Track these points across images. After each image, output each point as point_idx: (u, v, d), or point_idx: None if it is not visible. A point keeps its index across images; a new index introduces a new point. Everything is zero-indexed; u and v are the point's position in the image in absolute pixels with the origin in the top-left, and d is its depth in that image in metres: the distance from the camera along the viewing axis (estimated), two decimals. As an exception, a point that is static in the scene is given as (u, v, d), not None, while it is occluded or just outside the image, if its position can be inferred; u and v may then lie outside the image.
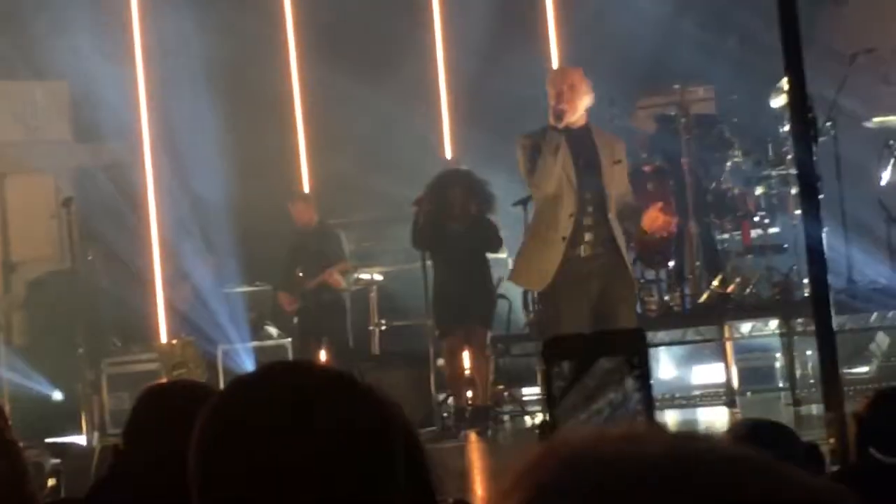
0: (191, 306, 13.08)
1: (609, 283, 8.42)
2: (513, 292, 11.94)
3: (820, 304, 5.49)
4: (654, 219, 8.60)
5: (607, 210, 8.45)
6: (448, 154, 14.61)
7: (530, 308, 11.60)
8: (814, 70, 5.77)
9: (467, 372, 11.70)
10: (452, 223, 11.29)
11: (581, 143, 8.43)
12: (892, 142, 11.47)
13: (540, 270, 8.56)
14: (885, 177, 11.50)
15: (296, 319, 12.91)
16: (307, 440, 1.73)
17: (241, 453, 1.73)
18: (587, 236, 8.45)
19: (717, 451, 1.11)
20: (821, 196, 5.59)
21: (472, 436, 10.99)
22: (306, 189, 14.51)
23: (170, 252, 13.65)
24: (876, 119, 11.90)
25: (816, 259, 5.55)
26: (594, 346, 4.27)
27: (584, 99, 8.42)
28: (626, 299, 8.57)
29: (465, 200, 11.29)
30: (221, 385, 12.20)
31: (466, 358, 11.66)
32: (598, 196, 8.45)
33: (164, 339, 13.24)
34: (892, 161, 11.44)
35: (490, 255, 11.60)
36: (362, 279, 13.41)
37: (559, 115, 8.26)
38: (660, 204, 8.81)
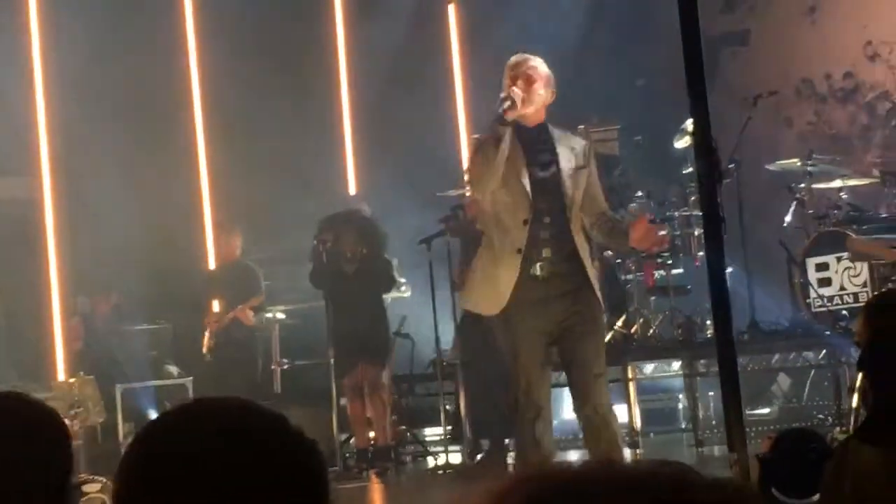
0: (84, 344, 12.87)
1: (572, 313, 6.94)
2: (418, 330, 11.89)
3: (724, 345, 5.48)
4: (646, 233, 7.05)
5: (569, 221, 7.00)
6: (352, 190, 14.57)
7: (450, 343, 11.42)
8: (717, 112, 5.77)
9: (367, 412, 11.64)
10: (345, 264, 11.29)
11: (537, 141, 7.08)
12: (793, 184, 11.58)
13: (495, 290, 7.00)
14: (788, 219, 11.60)
15: (209, 357, 12.75)
16: (241, 478, 1.71)
17: (169, 490, 1.69)
18: (545, 251, 6.96)
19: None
20: (724, 237, 5.57)
21: (374, 476, 10.92)
22: (209, 225, 14.38)
23: (68, 289, 13.44)
24: (778, 161, 12.01)
25: (720, 300, 5.54)
26: None
27: (544, 92, 7.04)
28: (592, 333, 7.01)
29: (355, 241, 11.29)
30: (120, 425, 12.04)
31: (365, 397, 11.60)
32: (557, 204, 7.00)
33: (61, 377, 13.02)
34: (794, 203, 11.54)
35: (394, 295, 11.57)
36: (265, 317, 13.29)
37: (510, 104, 6.83)
38: (648, 215, 8.19)
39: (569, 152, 7.07)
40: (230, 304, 12.56)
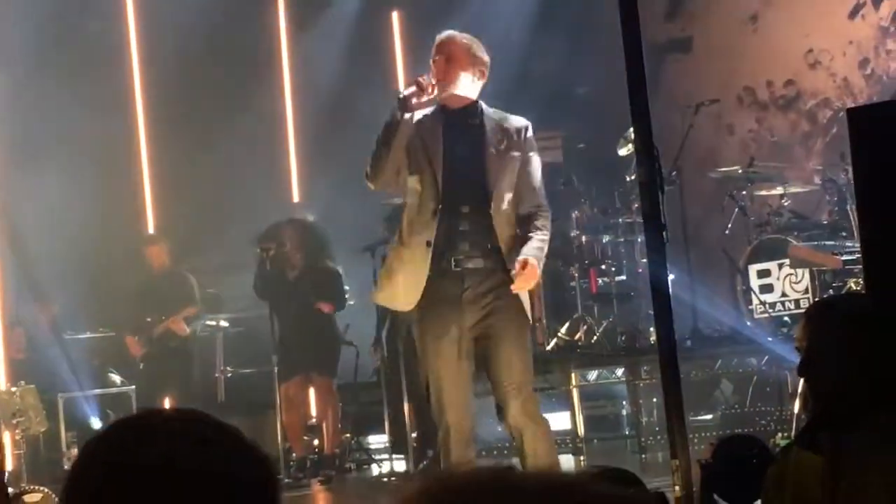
0: (27, 354, 12.77)
1: (492, 313, 6.35)
2: (362, 338, 11.87)
3: (666, 352, 5.50)
4: (528, 281, 6.32)
5: (490, 211, 6.38)
6: (295, 197, 14.54)
7: (382, 347, 11.38)
8: (659, 119, 5.80)
9: (311, 420, 11.63)
10: (289, 271, 11.26)
11: (460, 124, 6.47)
12: (735, 191, 11.64)
13: (405, 285, 6.46)
14: (730, 225, 11.66)
15: (142, 365, 12.68)
16: (193, 488, 1.69)
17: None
18: (462, 244, 6.37)
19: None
20: (666, 244, 5.60)
21: (318, 485, 10.89)
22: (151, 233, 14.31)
23: (6, 299, 13.31)
24: (720, 169, 12.07)
25: (662, 307, 5.56)
26: None
27: (466, 73, 6.47)
28: (513, 336, 6.39)
29: (298, 248, 11.27)
30: (63, 434, 11.95)
31: (309, 406, 11.60)
32: (478, 192, 6.37)
33: (2, 386, 12.90)
34: (735, 210, 11.61)
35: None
36: (208, 325, 13.24)
37: (412, 89, 6.40)
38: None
39: (499, 134, 6.48)
40: (164, 313, 12.50)
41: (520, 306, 6.40)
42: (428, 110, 6.61)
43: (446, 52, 6.51)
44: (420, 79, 6.42)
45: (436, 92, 6.46)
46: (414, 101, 6.41)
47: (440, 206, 6.36)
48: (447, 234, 6.36)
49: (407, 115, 6.40)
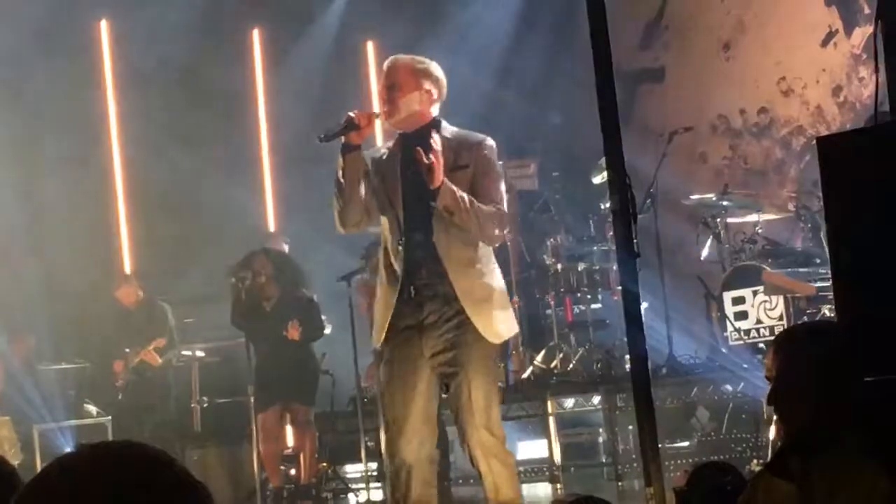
0: (2, 385, 12.73)
1: (452, 346, 6.17)
2: (338, 367, 11.87)
3: (639, 380, 5.52)
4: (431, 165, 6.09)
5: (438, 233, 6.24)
6: (271, 226, 14.55)
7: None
8: (633, 147, 5.82)
9: (288, 450, 11.61)
10: (264, 301, 11.26)
11: (411, 150, 6.20)
12: (709, 219, 11.68)
13: (377, 321, 6.37)
14: (704, 253, 11.70)
15: (120, 395, 12.65)
16: None
17: None
18: (419, 272, 6.23)
19: None
20: (640, 272, 5.62)
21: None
22: (127, 266, 14.31)
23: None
24: (694, 196, 12.12)
25: (636, 335, 5.57)
26: None
27: (412, 95, 6.30)
28: (475, 369, 6.16)
29: (272, 279, 11.25)
30: (38, 466, 11.90)
31: (286, 435, 11.57)
32: (429, 218, 6.22)
33: (-24, 418, 12.86)
34: (710, 238, 11.64)
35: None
36: (184, 355, 13.22)
37: (347, 128, 6.18)
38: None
39: (451, 154, 6.25)
40: (141, 344, 12.49)
41: (480, 337, 6.17)
42: (387, 144, 6.55)
43: (388, 79, 6.36)
44: (350, 116, 6.20)
45: (378, 121, 6.38)
46: (353, 139, 6.21)
47: (401, 240, 6.26)
48: (407, 265, 6.24)
49: (355, 154, 6.23)
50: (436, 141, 6.13)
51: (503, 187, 6.44)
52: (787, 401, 3.63)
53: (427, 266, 6.22)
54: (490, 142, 6.41)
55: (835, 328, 3.85)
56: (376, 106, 6.52)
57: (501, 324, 6.31)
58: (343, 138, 6.20)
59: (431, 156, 6.06)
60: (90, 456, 1.81)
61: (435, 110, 6.43)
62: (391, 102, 6.31)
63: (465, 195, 6.13)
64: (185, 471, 1.79)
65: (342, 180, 6.24)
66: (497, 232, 6.30)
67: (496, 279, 6.38)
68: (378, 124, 6.72)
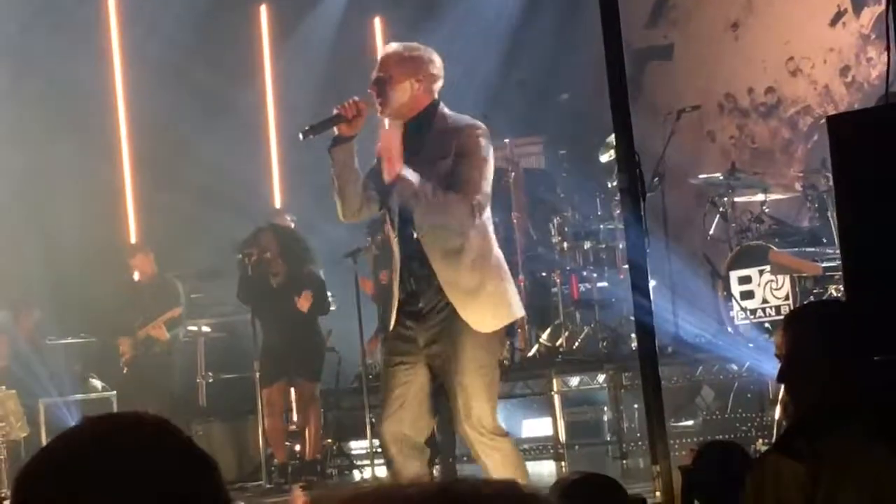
0: (7, 360, 12.74)
1: (441, 335, 6.15)
2: (344, 344, 11.88)
3: (647, 358, 5.51)
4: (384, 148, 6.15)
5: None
6: (277, 203, 14.54)
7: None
8: (641, 126, 5.81)
9: (293, 426, 11.62)
10: (271, 277, 11.26)
11: (410, 137, 6.19)
12: (716, 198, 11.66)
13: (389, 306, 6.45)
14: (711, 232, 11.69)
15: (125, 370, 12.65)
16: (121, 493, 1.68)
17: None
18: (413, 264, 6.22)
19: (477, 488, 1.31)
20: (648, 250, 5.61)
21: (298, 491, 10.88)
22: (133, 239, 14.29)
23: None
24: (701, 175, 12.10)
25: (644, 313, 5.57)
26: None
27: (403, 84, 6.20)
28: (464, 358, 6.09)
29: (280, 253, 11.25)
30: (44, 440, 11.91)
31: (292, 411, 11.59)
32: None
33: (-17, 391, 12.88)
34: (717, 217, 11.63)
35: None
36: (190, 331, 13.22)
37: (338, 120, 6.15)
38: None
39: (440, 142, 6.16)
40: (150, 318, 12.50)
41: (467, 327, 6.07)
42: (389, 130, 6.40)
43: (379, 70, 6.26)
44: (339, 110, 6.13)
45: (368, 111, 6.21)
46: (343, 132, 6.15)
47: (397, 228, 6.22)
48: (403, 257, 6.21)
49: (344, 146, 6.16)
50: (387, 133, 6.02)
51: (484, 172, 6.19)
52: (796, 379, 3.62)
53: (418, 258, 6.16)
54: (479, 127, 6.25)
55: (845, 307, 3.85)
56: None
57: (493, 314, 6.18)
58: (336, 130, 6.15)
59: (379, 149, 5.99)
60: (96, 426, 1.80)
61: (433, 94, 6.29)
62: (382, 95, 6.21)
63: (427, 185, 6.01)
64: (191, 439, 1.80)
65: (332, 174, 6.23)
66: (465, 220, 6.12)
67: (490, 266, 6.23)
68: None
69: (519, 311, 6.50)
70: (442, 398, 6.30)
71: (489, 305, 6.15)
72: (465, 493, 1.29)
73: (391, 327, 6.31)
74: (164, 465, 1.72)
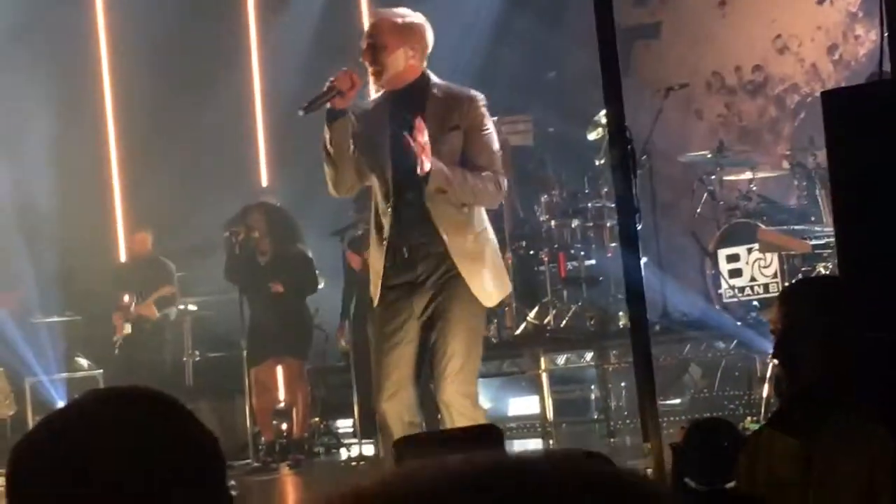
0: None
1: (439, 298, 6.15)
2: (331, 322, 11.86)
3: (638, 335, 5.50)
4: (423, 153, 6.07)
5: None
6: (264, 182, 14.50)
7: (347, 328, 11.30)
8: (629, 104, 5.77)
9: (280, 404, 11.61)
10: (259, 255, 11.24)
11: (404, 106, 6.17)
12: (704, 176, 11.66)
13: (373, 280, 6.34)
14: (699, 210, 11.69)
15: (116, 350, 12.63)
16: (127, 464, 1.69)
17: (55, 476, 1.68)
18: (412, 232, 6.17)
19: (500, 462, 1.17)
20: (639, 226, 5.59)
21: (286, 469, 10.88)
22: (120, 218, 14.27)
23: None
24: (689, 153, 12.10)
25: (635, 291, 5.56)
26: (448, 444, 4.05)
27: (397, 53, 6.15)
28: (457, 323, 6.11)
29: (267, 232, 11.23)
30: (30, 419, 11.90)
31: (279, 390, 11.58)
32: (420, 178, 6.03)
33: (-31, 370, 12.85)
34: (705, 195, 11.62)
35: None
36: (177, 309, 13.21)
37: (332, 94, 6.09)
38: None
39: (441, 112, 6.16)
40: (140, 297, 12.48)
41: (469, 294, 6.13)
42: (375, 98, 6.46)
43: (371, 38, 6.20)
44: (332, 82, 6.07)
45: (362, 82, 6.17)
46: (338, 104, 6.09)
47: (391, 200, 6.17)
48: (399, 225, 6.17)
49: (342, 120, 6.13)
50: (421, 126, 5.95)
51: (496, 144, 6.33)
52: (791, 355, 3.61)
53: (420, 227, 6.15)
54: (480, 97, 6.27)
55: (841, 283, 3.83)
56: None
57: (492, 285, 6.25)
58: (329, 104, 6.10)
59: (417, 138, 5.93)
60: (98, 397, 1.79)
61: (421, 65, 6.28)
62: (376, 64, 6.17)
63: (456, 171, 6.05)
64: (192, 413, 1.79)
65: (330, 148, 6.17)
66: (494, 198, 6.31)
67: (489, 240, 6.32)
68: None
69: (508, 287, 6.65)
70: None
71: (489, 277, 6.22)
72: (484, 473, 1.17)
73: (376, 302, 6.28)
74: (167, 438, 1.71)
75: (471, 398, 6.15)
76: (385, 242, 6.19)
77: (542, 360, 11.41)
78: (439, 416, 6.50)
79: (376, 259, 6.28)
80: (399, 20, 6.24)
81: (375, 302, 6.31)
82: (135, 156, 14.42)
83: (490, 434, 4.08)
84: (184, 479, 1.70)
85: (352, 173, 6.25)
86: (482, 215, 6.31)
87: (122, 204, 14.53)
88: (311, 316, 11.57)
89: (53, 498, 1.68)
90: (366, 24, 14.55)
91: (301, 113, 6.11)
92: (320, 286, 11.52)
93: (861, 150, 4.18)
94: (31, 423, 11.85)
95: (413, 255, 6.18)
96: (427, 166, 5.94)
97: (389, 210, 6.17)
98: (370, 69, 6.19)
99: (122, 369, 12.28)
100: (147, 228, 13.05)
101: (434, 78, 6.30)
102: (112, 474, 1.67)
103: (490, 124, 6.29)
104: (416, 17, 6.30)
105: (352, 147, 6.21)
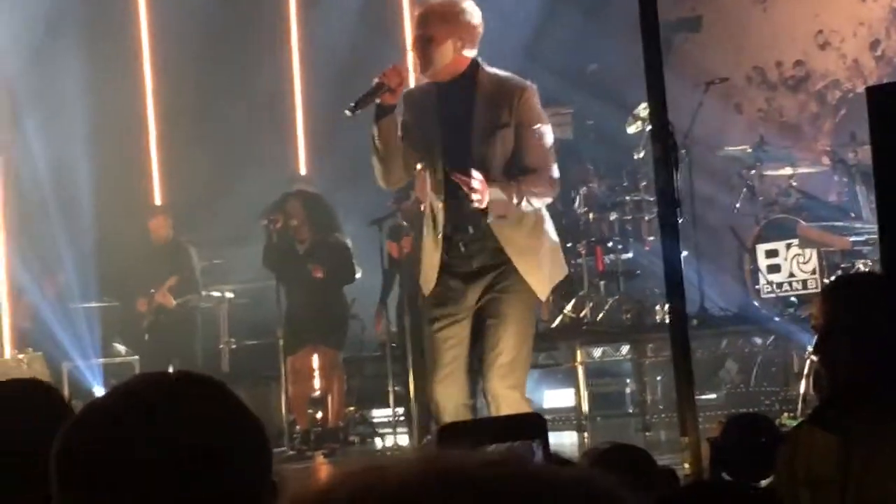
0: (33, 323, 12.77)
1: (494, 290, 6.13)
2: (368, 312, 11.86)
3: (677, 328, 5.49)
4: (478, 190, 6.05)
5: None
6: (303, 170, 14.51)
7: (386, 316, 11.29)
8: (670, 98, 5.75)
9: (316, 393, 11.62)
10: (297, 243, 11.26)
11: (454, 99, 6.11)
12: (744, 171, 11.62)
13: (426, 271, 6.31)
14: (738, 205, 11.65)
15: (146, 336, 12.67)
16: (171, 444, 1.71)
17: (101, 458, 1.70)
18: (467, 225, 6.13)
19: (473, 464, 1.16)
20: (680, 220, 5.58)
21: (321, 458, 10.89)
22: (158, 200, 14.31)
23: (12, 268, 13.29)
24: (729, 148, 12.05)
25: (674, 283, 5.54)
26: (493, 432, 4.06)
27: (446, 44, 6.05)
28: (511, 317, 6.10)
29: (305, 220, 11.24)
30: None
31: (315, 378, 11.59)
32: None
33: (8, 354, 12.90)
34: (744, 190, 11.58)
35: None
36: (213, 296, 13.24)
37: (382, 90, 6.04)
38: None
39: (492, 107, 6.08)
40: (161, 284, 12.52)
41: (524, 287, 6.14)
42: (421, 86, 6.43)
43: (420, 29, 6.14)
44: (381, 79, 6.02)
45: (412, 76, 6.30)
46: (388, 100, 6.05)
47: (445, 192, 6.12)
48: (454, 218, 6.13)
49: (391, 117, 6.10)
50: (477, 177, 5.87)
51: (548, 138, 6.29)
52: (833, 351, 3.59)
53: (473, 221, 6.11)
54: (531, 88, 6.21)
55: (884, 280, 3.82)
56: (410, 57, 6.37)
57: (549, 273, 6.29)
58: (378, 101, 6.05)
59: (475, 187, 5.86)
60: (149, 381, 1.80)
61: (471, 54, 6.19)
62: (425, 56, 6.11)
63: (510, 189, 6.01)
64: (240, 399, 1.80)
65: (379, 144, 6.13)
66: (549, 197, 6.33)
67: (546, 231, 6.33)
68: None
69: (566, 269, 6.78)
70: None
71: (546, 266, 6.28)
72: (454, 468, 1.17)
73: (430, 289, 6.27)
74: (221, 422, 1.71)
75: (518, 389, 6.17)
76: (440, 237, 6.18)
77: (579, 352, 11.41)
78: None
79: (432, 252, 6.27)
80: (448, 10, 6.14)
81: (427, 292, 6.30)
82: (173, 142, 14.44)
83: (534, 424, 4.07)
84: (235, 463, 1.71)
85: (400, 166, 6.23)
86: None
87: (161, 190, 14.57)
88: (348, 305, 11.58)
89: (105, 484, 1.68)
90: (406, 11, 14.71)
91: (348, 113, 6.06)
92: (357, 275, 11.52)
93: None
94: (68, 408, 11.92)
95: (469, 248, 6.18)
96: (484, 203, 5.94)
97: (441, 205, 6.15)
98: (417, 61, 6.18)
99: (156, 355, 12.31)
100: (164, 212, 13.07)
101: (484, 66, 6.22)
102: (166, 457, 1.67)
103: (540, 117, 6.25)
104: (467, 4, 6.19)
105: (399, 136, 6.17)
